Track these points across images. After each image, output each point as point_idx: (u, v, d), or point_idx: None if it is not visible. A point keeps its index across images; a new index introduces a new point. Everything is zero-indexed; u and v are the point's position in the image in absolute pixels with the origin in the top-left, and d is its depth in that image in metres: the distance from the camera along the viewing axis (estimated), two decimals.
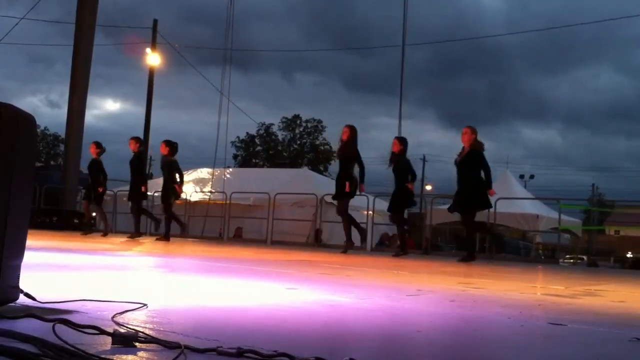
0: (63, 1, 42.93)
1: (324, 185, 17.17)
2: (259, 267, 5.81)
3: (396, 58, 15.57)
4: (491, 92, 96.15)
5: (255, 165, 53.77)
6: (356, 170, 9.82)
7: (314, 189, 15.71)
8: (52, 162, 53.64)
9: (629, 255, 36.81)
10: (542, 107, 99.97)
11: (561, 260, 15.62)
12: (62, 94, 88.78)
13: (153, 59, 24.01)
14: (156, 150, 15.48)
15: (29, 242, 2.23)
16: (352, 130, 9.76)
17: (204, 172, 20.21)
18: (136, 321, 2.01)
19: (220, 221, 16.12)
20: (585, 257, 24.03)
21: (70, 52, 18.80)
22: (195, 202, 17.28)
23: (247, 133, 58.80)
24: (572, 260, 20.55)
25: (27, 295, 2.17)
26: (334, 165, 51.55)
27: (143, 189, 11.53)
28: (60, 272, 3.93)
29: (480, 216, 13.54)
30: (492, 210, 12.46)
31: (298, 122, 60.13)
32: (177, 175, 11.27)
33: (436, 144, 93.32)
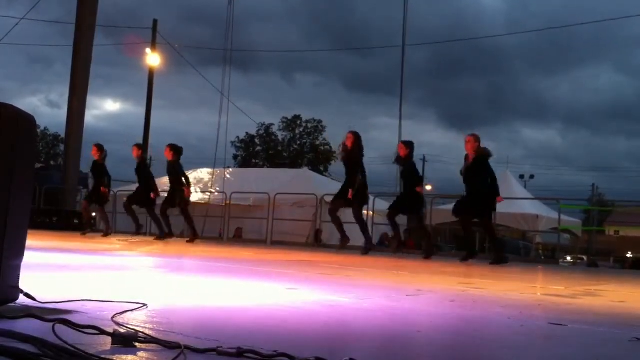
0: (63, 1, 42.96)
1: (324, 185, 17.17)
2: (258, 267, 5.81)
3: (396, 58, 15.58)
4: (491, 92, 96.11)
5: (255, 166, 53.77)
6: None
7: (314, 189, 15.70)
8: (52, 162, 53.68)
9: (629, 255, 36.82)
10: (542, 107, 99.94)
11: (561, 260, 15.62)
12: (62, 94, 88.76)
13: (153, 59, 24.02)
14: (156, 150, 15.48)
15: (29, 242, 2.23)
16: (356, 137, 9.76)
17: (204, 173, 20.20)
18: (136, 321, 2.01)
19: (220, 221, 16.12)
20: (585, 258, 24.03)
21: (70, 52, 18.80)
22: (195, 202, 17.27)
23: (247, 133, 58.85)
24: (572, 261, 20.55)
25: (27, 295, 2.17)
26: (334, 166, 51.64)
27: (152, 195, 11.58)
28: (60, 273, 3.93)
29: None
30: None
31: (298, 122, 60.16)
32: (184, 179, 11.32)
33: (436, 144, 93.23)
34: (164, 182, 12.64)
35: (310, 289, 3.74)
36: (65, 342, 1.49)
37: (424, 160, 54.27)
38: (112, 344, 1.62)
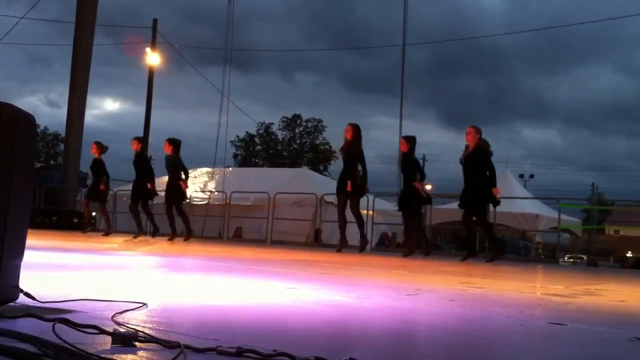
0: (62, 0, 42.93)
1: (324, 185, 17.17)
2: (258, 266, 5.81)
3: (396, 58, 15.58)
4: (491, 91, 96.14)
5: (255, 165, 53.78)
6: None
7: (313, 188, 15.70)
8: (51, 162, 53.65)
9: (629, 254, 36.83)
10: (542, 107, 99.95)
11: (561, 259, 15.63)
12: (61, 93, 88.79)
13: (153, 58, 24.01)
14: (156, 149, 15.47)
15: (29, 241, 2.23)
16: (356, 128, 9.74)
17: (203, 172, 20.21)
18: (136, 321, 2.01)
19: (219, 221, 16.13)
20: (585, 257, 24.04)
21: (70, 51, 18.80)
22: (196, 201, 17.27)
23: (247, 132, 58.86)
24: (571, 260, 20.55)
25: (27, 294, 2.17)
26: (334, 165, 51.65)
27: (149, 185, 11.52)
28: (60, 272, 3.93)
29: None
30: (491, 209, 12.50)
31: (298, 121, 60.16)
32: (182, 173, 11.28)
33: (436, 144, 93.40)
34: (163, 182, 12.62)
35: (310, 288, 3.74)
36: (65, 342, 1.49)
37: (424, 159, 54.29)
38: (112, 344, 1.62)
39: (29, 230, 2.23)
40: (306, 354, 1.54)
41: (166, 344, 1.61)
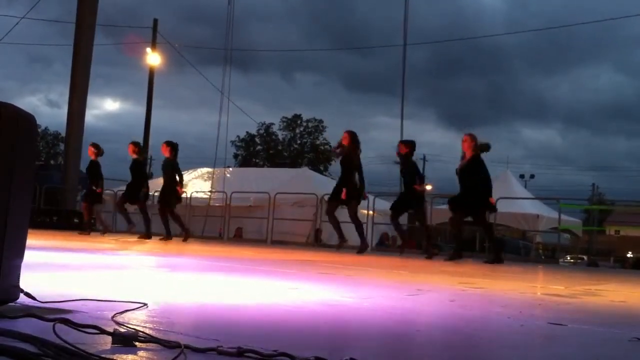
0: (62, 0, 42.92)
1: (324, 185, 17.16)
2: (259, 266, 5.81)
3: (396, 58, 15.61)
4: (491, 91, 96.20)
5: (256, 165, 53.78)
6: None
7: (314, 188, 15.70)
8: (52, 162, 53.65)
9: (629, 255, 36.83)
10: (542, 107, 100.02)
11: (561, 260, 15.62)
12: (61, 93, 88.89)
13: (153, 58, 24.01)
14: (156, 150, 15.46)
15: (29, 241, 2.23)
16: (353, 136, 9.79)
17: (204, 172, 20.21)
18: (136, 321, 2.01)
19: (220, 221, 16.13)
20: (585, 257, 24.04)
21: (70, 51, 18.80)
22: (196, 201, 17.27)
23: (247, 132, 58.86)
24: (572, 260, 20.56)
25: (28, 294, 2.17)
26: (335, 166, 51.61)
27: (145, 190, 11.57)
28: (61, 272, 3.93)
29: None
30: None
31: (299, 122, 60.16)
32: (177, 177, 11.31)
33: (436, 144, 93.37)
34: (159, 184, 12.65)
35: (310, 288, 3.74)
36: (66, 342, 1.49)
37: (424, 159, 54.31)
38: (112, 344, 1.62)
39: (29, 230, 2.23)
40: (306, 354, 1.54)
41: (166, 344, 1.61)
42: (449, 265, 7.84)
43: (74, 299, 2.38)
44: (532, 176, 55.66)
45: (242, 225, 17.09)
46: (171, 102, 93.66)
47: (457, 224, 8.93)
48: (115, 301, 2.39)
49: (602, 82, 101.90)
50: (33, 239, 3.18)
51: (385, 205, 17.01)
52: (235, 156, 57.78)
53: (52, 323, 1.65)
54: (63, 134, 22.34)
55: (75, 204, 17.84)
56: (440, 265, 7.75)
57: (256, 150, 60.14)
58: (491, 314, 2.95)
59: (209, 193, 17.58)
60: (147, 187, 11.84)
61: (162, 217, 11.28)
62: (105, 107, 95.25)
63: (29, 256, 2.27)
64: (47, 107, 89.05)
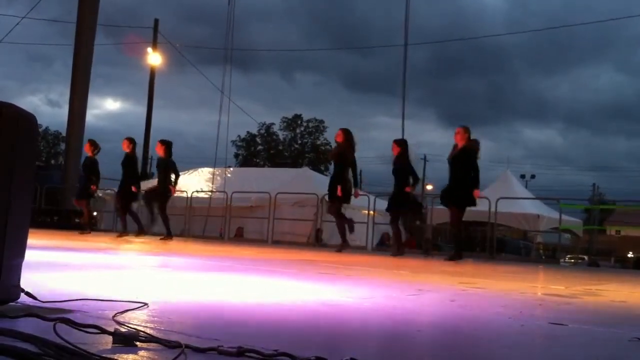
0: (63, 0, 42.94)
1: (325, 185, 17.11)
2: (259, 266, 5.82)
3: (396, 58, 15.62)
4: (491, 91, 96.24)
5: (257, 165, 53.81)
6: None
7: (314, 188, 15.70)
8: (52, 162, 53.67)
9: (630, 255, 36.81)
10: (542, 107, 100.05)
11: (562, 260, 15.62)
12: (61, 93, 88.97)
13: (154, 58, 24.02)
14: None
15: (30, 241, 2.23)
16: (347, 133, 9.81)
17: (204, 172, 20.21)
18: (137, 320, 2.01)
19: (221, 221, 16.13)
20: (586, 257, 24.01)
21: (70, 51, 18.81)
22: (197, 201, 17.27)
23: (248, 132, 58.89)
24: (572, 260, 20.54)
25: (28, 294, 2.17)
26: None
27: (134, 189, 11.54)
28: (61, 272, 3.93)
29: (482, 215, 13.57)
30: (492, 209, 12.52)
31: (299, 122, 60.18)
32: (173, 176, 11.29)
33: (436, 144, 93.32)
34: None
35: (311, 288, 3.74)
36: (66, 341, 1.49)
37: (424, 159, 54.29)
38: (113, 343, 1.62)
39: (30, 230, 2.23)
40: (307, 354, 1.54)
41: (167, 344, 1.61)
42: (449, 265, 7.83)
43: (75, 298, 2.38)
44: (532, 176, 55.66)
45: (243, 225, 17.10)
46: (172, 102, 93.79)
47: (457, 222, 8.94)
48: (115, 301, 2.39)
49: (602, 82, 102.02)
50: (34, 239, 3.19)
51: (386, 205, 17.02)
52: (236, 156, 57.83)
53: (52, 323, 1.66)
54: (63, 133, 22.35)
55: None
56: (441, 265, 7.75)
57: (257, 150, 60.16)
58: (492, 314, 2.95)
59: (210, 193, 17.59)
60: (139, 184, 11.84)
61: (163, 215, 11.27)
62: (106, 107, 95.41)
63: (29, 256, 2.27)
64: (47, 106, 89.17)
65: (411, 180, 9.65)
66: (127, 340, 1.63)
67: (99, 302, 2.37)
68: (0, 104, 2.00)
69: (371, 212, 13.81)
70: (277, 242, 13.47)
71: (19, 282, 2.14)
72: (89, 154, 12.20)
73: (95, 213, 16.94)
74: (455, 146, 8.79)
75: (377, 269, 6.58)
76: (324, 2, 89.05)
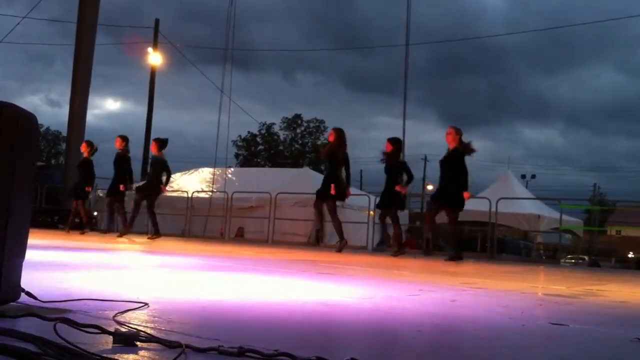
0: (63, 0, 42.98)
1: None
2: (260, 266, 5.82)
3: (396, 58, 15.63)
4: (492, 91, 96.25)
5: (257, 165, 53.82)
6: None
7: (315, 189, 15.55)
8: (52, 161, 53.67)
9: (631, 255, 36.81)
10: (543, 107, 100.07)
11: (562, 260, 15.61)
12: (62, 93, 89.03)
13: (155, 58, 24.02)
14: None
15: (30, 241, 2.23)
16: (340, 133, 9.86)
17: (205, 172, 20.21)
18: (137, 320, 2.01)
19: (221, 221, 16.13)
20: (586, 257, 23.99)
21: (71, 50, 18.82)
22: (197, 201, 17.27)
23: (249, 132, 58.92)
24: (573, 261, 20.54)
25: (29, 294, 2.17)
26: None
27: (122, 187, 11.57)
28: (62, 271, 3.93)
29: (483, 215, 13.57)
30: (493, 210, 12.52)
31: (299, 121, 60.21)
32: (165, 175, 11.32)
33: (437, 144, 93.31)
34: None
35: (311, 288, 3.74)
36: (67, 341, 1.49)
37: (425, 160, 54.29)
38: (113, 343, 1.62)
39: (30, 230, 2.23)
40: (307, 354, 1.54)
41: (167, 344, 1.61)
42: (449, 266, 7.83)
43: (75, 298, 2.38)
44: (533, 176, 55.65)
45: (244, 225, 17.09)
46: (172, 102, 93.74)
47: (455, 223, 8.97)
48: (116, 301, 2.39)
49: (602, 82, 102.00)
50: (34, 239, 3.19)
51: None
52: (237, 156, 57.84)
53: (53, 323, 1.66)
54: (64, 133, 22.36)
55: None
56: (442, 266, 7.75)
57: (258, 150, 60.19)
58: (492, 314, 2.95)
59: (210, 193, 17.59)
60: (130, 183, 11.88)
61: (150, 211, 11.30)
62: (106, 107, 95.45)
63: (30, 255, 2.27)
64: (48, 106, 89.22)
65: (405, 178, 9.70)
66: (128, 340, 1.63)
67: (100, 302, 2.37)
68: (1, 103, 2.00)
69: (371, 212, 13.79)
70: (278, 242, 13.46)
71: (20, 281, 2.14)
72: (85, 154, 12.22)
73: (95, 213, 16.95)
74: (448, 149, 8.84)
75: (377, 269, 6.58)
76: (324, 1, 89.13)
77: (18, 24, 20.20)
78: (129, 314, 2.13)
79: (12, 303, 2.09)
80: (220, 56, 18.81)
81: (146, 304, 2.35)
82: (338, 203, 10.11)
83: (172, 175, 19.85)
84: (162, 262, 6.11)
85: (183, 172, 20.52)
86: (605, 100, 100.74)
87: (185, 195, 17.05)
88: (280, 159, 56.00)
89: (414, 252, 11.47)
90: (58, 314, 1.91)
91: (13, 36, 20.16)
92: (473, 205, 14.30)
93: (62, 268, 4.23)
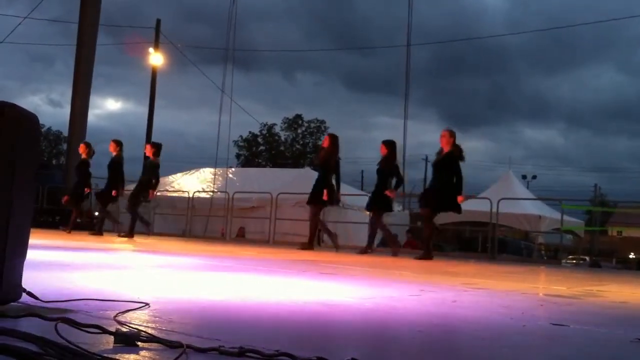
0: (63, 0, 42.99)
1: None
2: (260, 266, 5.82)
3: (397, 58, 15.64)
4: (492, 91, 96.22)
5: (258, 165, 53.84)
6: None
7: None
8: (53, 162, 53.71)
9: (632, 256, 36.77)
10: (543, 107, 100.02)
11: (563, 260, 15.60)
12: (62, 93, 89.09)
13: (156, 58, 24.03)
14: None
15: (31, 241, 2.24)
16: (334, 139, 9.94)
17: (206, 172, 20.21)
18: (138, 320, 2.01)
19: (222, 221, 16.13)
20: (587, 258, 23.95)
21: (72, 50, 18.84)
22: (198, 201, 17.27)
23: (250, 132, 58.94)
24: (574, 261, 20.50)
25: (30, 294, 2.17)
26: None
27: (114, 193, 11.62)
28: (63, 271, 3.94)
29: (484, 215, 13.55)
30: (494, 210, 12.51)
31: (300, 122, 60.22)
32: (154, 180, 11.42)
33: (438, 144, 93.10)
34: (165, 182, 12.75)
35: (312, 288, 3.74)
36: (68, 341, 1.49)
37: (426, 160, 54.22)
38: (114, 343, 1.62)
39: (32, 230, 2.23)
40: (308, 354, 1.55)
41: (168, 344, 1.62)
42: (450, 266, 7.83)
43: (76, 298, 2.38)
44: (534, 177, 55.61)
45: (245, 226, 17.10)
46: (173, 102, 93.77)
47: (429, 222, 8.97)
48: (117, 301, 2.39)
49: (603, 82, 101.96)
50: (35, 239, 3.19)
51: None
52: (238, 156, 57.86)
53: (54, 322, 1.66)
54: (65, 133, 22.37)
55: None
56: (442, 266, 7.75)
57: (259, 151, 60.19)
58: (493, 315, 2.95)
59: (212, 193, 17.59)
60: (123, 187, 11.95)
61: (132, 211, 11.41)
62: (107, 107, 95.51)
63: (31, 255, 2.27)
64: (49, 106, 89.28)
65: (394, 182, 9.73)
66: (129, 340, 1.63)
67: (101, 302, 2.37)
68: (2, 104, 2.01)
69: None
70: (279, 243, 13.47)
71: (21, 281, 2.14)
72: (84, 155, 12.25)
73: (96, 213, 16.94)
74: (441, 150, 8.82)
75: (378, 269, 6.58)
76: (324, 1, 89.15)
77: (19, 24, 20.20)
78: (130, 314, 2.13)
79: (13, 303, 2.09)
80: (221, 56, 18.82)
81: (147, 304, 2.35)
82: (339, 204, 10.21)
83: (173, 175, 19.96)
84: (163, 262, 6.11)
85: (184, 172, 20.54)
86: (606, 101, 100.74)
87: (186, 195, 17.06)
88: (281, 159, 56.00)
89: (414, 252, 11.46)
90: (59, 314, 1.91)
91: (14, 36, 20.17)
92: (474, 206, 14.31)
93: (63, 268, 4.23)
